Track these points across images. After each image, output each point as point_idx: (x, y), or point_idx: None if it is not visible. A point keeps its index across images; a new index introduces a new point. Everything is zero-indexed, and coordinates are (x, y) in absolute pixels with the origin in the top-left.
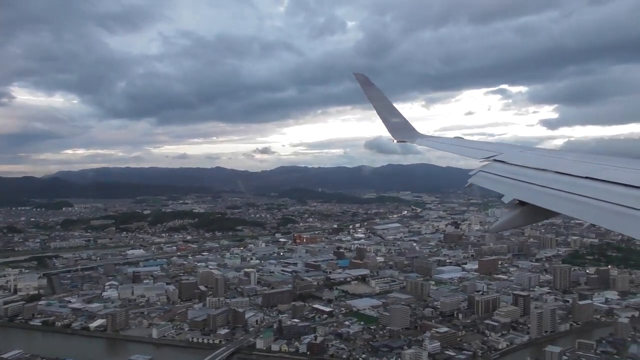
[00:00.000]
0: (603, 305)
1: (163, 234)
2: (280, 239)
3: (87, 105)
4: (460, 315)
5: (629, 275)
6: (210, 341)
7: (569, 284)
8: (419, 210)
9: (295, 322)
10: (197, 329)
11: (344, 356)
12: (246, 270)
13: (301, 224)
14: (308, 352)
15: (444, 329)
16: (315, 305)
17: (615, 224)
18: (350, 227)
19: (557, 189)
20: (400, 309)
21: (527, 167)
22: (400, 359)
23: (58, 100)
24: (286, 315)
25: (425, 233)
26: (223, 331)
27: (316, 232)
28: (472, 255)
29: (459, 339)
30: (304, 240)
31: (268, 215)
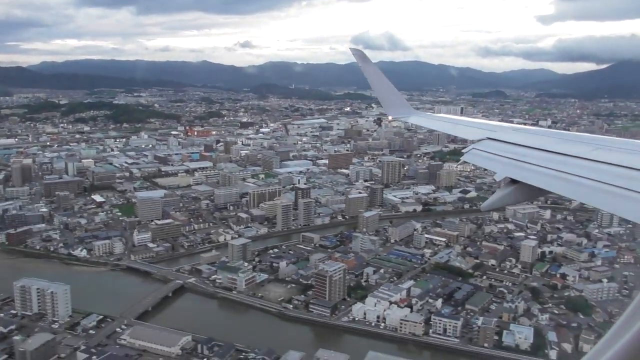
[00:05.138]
0: (395, 199)
1: (64, 125)
2: (173, 132)
3: None
4: (231, 208)
5: (457, 171)
6: None
7: (398, 179)
8: (374, 107)
9: (57, 214)
10: None
11: (38, 247)
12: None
13: (225, 118)
14: (7, 243)
15: (167, 221)
16: (94, 196)
17: (606, 203)
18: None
19: (549, 168)
20: (149, 201)
21: (520, 145)
22: (93, 250)
23: None
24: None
25: (338, 129)
26: None
27: (226, 126)
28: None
29: (187, 231)
30: (195, 134)
31: (201, 109)
